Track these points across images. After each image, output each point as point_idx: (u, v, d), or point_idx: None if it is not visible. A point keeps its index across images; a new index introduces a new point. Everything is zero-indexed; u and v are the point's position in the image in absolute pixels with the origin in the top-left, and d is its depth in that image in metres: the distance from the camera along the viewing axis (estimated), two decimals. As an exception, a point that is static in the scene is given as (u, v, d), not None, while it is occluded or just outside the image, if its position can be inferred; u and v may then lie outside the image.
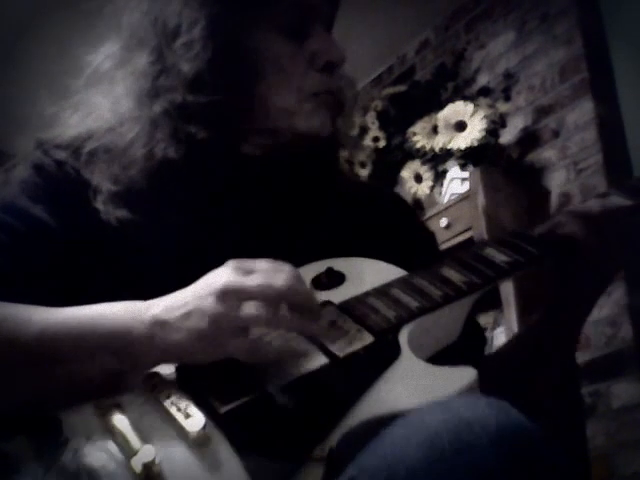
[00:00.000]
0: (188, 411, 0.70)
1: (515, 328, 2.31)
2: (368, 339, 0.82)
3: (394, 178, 2.91)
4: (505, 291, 2.36)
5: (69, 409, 0.71)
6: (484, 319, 2.04)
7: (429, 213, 2.69)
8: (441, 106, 2.73)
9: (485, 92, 2.77)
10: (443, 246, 2.45)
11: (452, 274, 0.91)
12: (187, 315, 0.74)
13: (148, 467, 0.63)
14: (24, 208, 0.91)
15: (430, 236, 1.18)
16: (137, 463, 0.63)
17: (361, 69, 3.22)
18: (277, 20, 0.98)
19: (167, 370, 0.77)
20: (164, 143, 0.94)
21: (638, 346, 2.31)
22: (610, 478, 2.25)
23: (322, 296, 0.89)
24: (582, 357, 2.42)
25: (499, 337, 2.50)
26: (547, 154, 2.70)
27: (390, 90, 3.11)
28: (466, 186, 2.59)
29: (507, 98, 2.75)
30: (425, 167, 2.79)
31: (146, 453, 0.64)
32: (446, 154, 2.68)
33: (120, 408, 0.71)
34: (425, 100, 2.90)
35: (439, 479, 0.61)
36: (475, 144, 2.60)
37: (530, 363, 1.04)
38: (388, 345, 0.81)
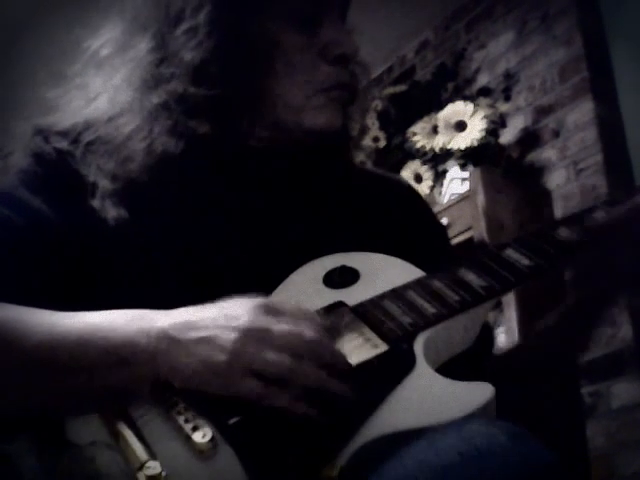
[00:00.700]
0: (196, 422, 0.68)
1: (515, 328, 2.31)
2: (382, 347, 0.78)
3: (394, 178, 2.90)
4: (505, 291, 2.35)
5: (71, 415, 0.70)
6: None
7: (429, 213, 2.68)
8: (441, 106, 2.73)
9: (485, 92, 2.77)
10: (443, 246, 2.45)
11: (471, 277, 0.87)
12: (202, 341, 0.71)
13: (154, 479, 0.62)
14: (23, 200, 0.87)
15: (442, 229, 1.14)
16: (143, 476, 0.62)
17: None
18: (287, 9, 0.92)
19: None
20: (164, 137, 0.90)
21: (638, 346, 2.30)
22: (610, 478, 2.25)
23: (335, 295, 0.85)
24: (582, 357, 2.42)
25: (499, 337, 2.50)
26: (547, 154, 2.70)
27: (390, 90, 3.11)
28: (466, 186, 2.59)
29: (507, 98, 2.75)
30: (425, 167, 2.78)
31: (153, 467, 0.63)
32: (446, 154, 2.68)
33: (126, 416, 0.69)
34: (425, 100, 2.89)
35: None
36: (475, 144, 2.60)
37: (540, 364, 1.01)
38: (403, 355, 0.77)
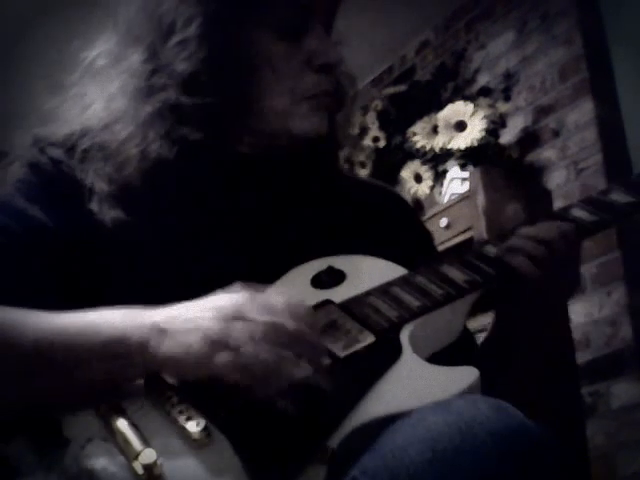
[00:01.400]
0: (189, 413, 0.69)
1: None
2: (369, 339, 0.81)
3: (394, 178, 2.90)
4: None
5: (69, 412, 0.71)
6: (481, 320, 2.04)
7: (429, 213, 2.69)
8: (441, 106, 2.73)
9: (485, 92, 2.77)
10: (443, 246, 2.46)
11: (453, 272, 0.91)
12: (189, 331, 0.73)
13: (149, 469, 0.63)
14: (20, 208, 0.89)
15: (428, 235, 1.17)
16: (139, 465, 0.63)
17: (361, 69, 3.22)
18: (273, 20, 0.96)
19: None
20: (158, 143, 0.92)
21: (638, 346, 2.31)
22: (610, 478, 2.25)
23: (322, 295, 0.88)
24: (582, 357, 2.42)
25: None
26: (547, 154, 2.70)
27: (390, 90, 3.11)
28: (466, 186, 2.59)
29: (507, 98, 2.75)
30: (425, 167, 2.79)
31: (148, 455, 0.64)
32: (446, 154, 2.68)
33: (122, 410, 0.70)
34: (425, 100, 2.90)
35: None
36: (475, 144, 2.60)
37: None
38: (389, 345, 0.81)
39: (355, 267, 0.93)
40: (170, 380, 0.74)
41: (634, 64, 2.58)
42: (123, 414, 0.70)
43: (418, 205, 2.82)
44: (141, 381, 0.75)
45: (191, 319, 0.74)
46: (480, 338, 1.09)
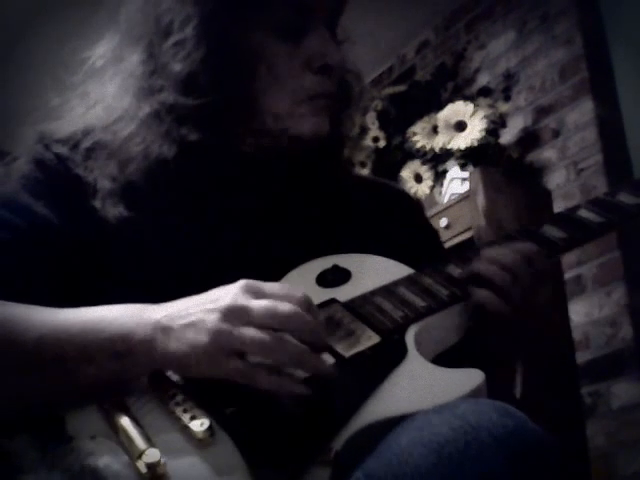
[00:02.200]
0: (194, 412, 0.69)
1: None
2: (374, 339, 0.81)
3: (394, 178, 2.90)
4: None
5: (72, 409, 0.71)
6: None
7: (429, 213, 2.69)
8: (441, 106, 2.73)
9: (485, 92, 2.77)
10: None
11: (459, 273, 0.91)
12: (189, 326, 0.72)
13: (153, 467, 0.63)
14: (25, 204, 0.90)
15: (434, 232, 1.16)
16: (142, 464, 0.63)
17: (361, 69, 3.21)
18: (272, 20, 0.95)
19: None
20: (158, 142, 0.92)
21: (638, 346, 2.31)
22: (610, 478, 2.25)
23: (328, 293, 0.88)
24: (582, 357, 2.42)
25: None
26: (547, 154, 2.70)
27: (390, 90, 3.11)
28: (466, 186, 2.59)
29: (507, 98, 2.76)
30: (425, 167, 2.79)
31: (151, 454, 0.63)
32: (446, 154, 2.68)
33: (125, 408, 0.70)
34: (425, 100, 2.90)
35: None
36: (475, 144, 2.60)
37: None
38: (395, 345, 0.80)
39: (361, 266, 0.93)
40: (174, 377, 0.74)
41: (634, 64, 2.59)
42: (127, 412, 0.70)
43: (418, 205, 2.82)
44: (145, 379, 0.74)
45: (191, 313, 0.73)
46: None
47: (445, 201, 2.68)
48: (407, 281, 0.89)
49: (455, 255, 0.95)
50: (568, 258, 2.46)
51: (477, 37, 3.07)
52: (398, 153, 2.94)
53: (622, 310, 2.35)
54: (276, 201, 0.99)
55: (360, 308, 0.85)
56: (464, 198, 2.56)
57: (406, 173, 2.84)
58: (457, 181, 2.67)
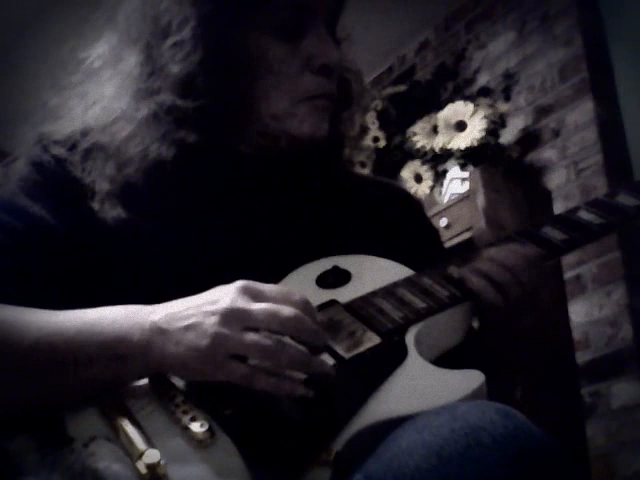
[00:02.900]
0: (194, 413, 0.69)
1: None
2: (375, 340, 0.81)
3: (394, 178, 2.90)
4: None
5: (72, 411, 0.71)
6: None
7: (429, 213, 2.69)
8: (441, 106, 2.73)
9: (485, 92, 2.77)
10: (443, 246, 2.45)
11: (459, 273, 0.90)
12: (188, 328, 0.72)
13: (153, 468, 0.63)
14: (23, 207, 0.89)
15: (435, 232, 1.16)
16: (142, 464, 0.63)
17: (361, 68, 3.21)
18: (271, 21, 0.94)
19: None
20: (156, 144, 0.92)
21: (638, 346, 2.31)
22: (610, 478, 2.25)
23: (327, 295, 0.88)
24: (582, 357, 2.42)
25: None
26: (547, 154, 2.70)
27: (390, 90, 3.11)
28: (466, 186, 2.59)
29: (507, 98, 2.76)
30: (425, 167, 2.79)
31: (151, 455, 0.64)
32: (446, 154, 2.68)
33: (125, 409, 0.70)
34: (425, 100, 2.90)
35: None
36: (475, 144, 2.60)
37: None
38: (395, 347, 0.80)
39: (361, 267, 0.93)
40: (174, 379, 0.74)
41: (634, 64, 2.59)
42: (127, 413, 0.70)
43: (418, 205, 2.82)
44: (145, 380, 0.74)
45: (190, 315, 0.73)
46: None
47: (445, 201, 2.68)
48: (407, 282, 0.89)
49: (455, 256, 0.95)
50: (568, 258, 2.46)
51: (477, 37, 3.07)
52: (398, 153, 2.94)
53: (622, 310, 2.35)
54: (275, 202, 0.98)
55: (360, 309, 0.85)
56: (464, 198, 2.56)
57: (406, 173, 2.84)
58: (457, 181, 2.67)
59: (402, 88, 3.08)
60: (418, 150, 2.77)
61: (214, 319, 0.71)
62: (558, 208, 2.59)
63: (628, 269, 2.38)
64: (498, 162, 2.67)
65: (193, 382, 0.73)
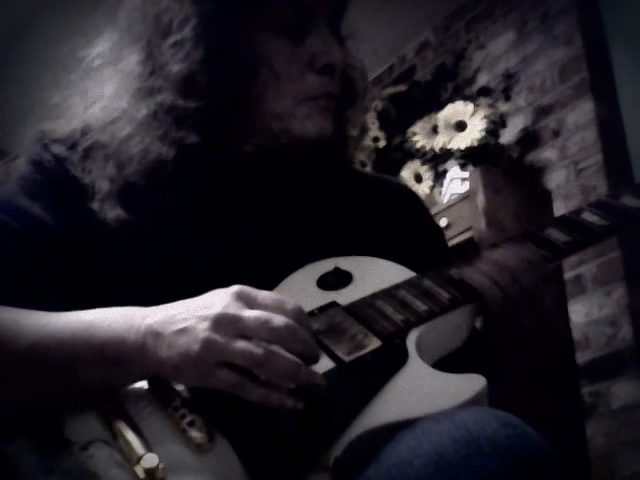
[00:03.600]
0: (192, 417, 0.69)
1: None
2: (375, 343, 0.80)
3: (394, 178, 2.90)
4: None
5: (71, 413, 0.71)
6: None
7: (429, 213, 2.68)
8: (441, 106, 2.73)
9: (485, 92, 2.77)
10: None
11: (461, 275, 0.90)
12: (180, 332, 0.71)
13: (151, 472, 0.63)
14: (22, 206, 0.89)
15: (439, 230, 1.15)
16: (140, 469, 0.63)
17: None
18: (274, 20, 0.93)
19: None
20: (156, 144, 0.91)
21: (638, 346, 2.31)
22: (610, 478, 2.25)
23: (328, 296, 0.87)
24: (582, 357, 2.42)
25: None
26: (547, 154, 2.70)
27: (390, 90, 3.11)
28: (466, 186, 2.59)
29: (507, 98, 2.76)
30: (425, 167, 2.79)
31: (150, 459, 0.63)
32: (446, 154, 2.68)
33: (124, 413, 0.70)
34: (425, 100, 2.90)
35: None
36: (475, 144, 2.60)
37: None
38: (396, 350, 0.79)
39: (362, 268, 0.92)
40: (174, 383, 0.73)
41: (634, 64, 2.58)
42: (126, 417, 0.69)
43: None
44: (144, 383, 0.74)
45: (183, 319, 0.72)
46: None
47: (445, 201, 2.68)
48: (408, 284, 0.88)
49: (457, 258, 0.94)
50: (568, 258, 2.46)
51: (477, 37, 3.07)
52: (398, 153, 2.94)
53: (622, 310, 2.35)
54: (277, 202, 0.98)
55: (361, 311, 0.84)
56: (464, 198, 2.56)
57: (406, 173, 2.84)
58: (457, 181, 2.67)
59: (402, 88, 3.08)
60: (418, 150, 2.77)
61: (206, 324, 0.70)
62: (558, 208, 2.59)
63: (628, 269, 2.37)
64: (498, 162, 2.67)
65: (193, 387, 0.72)
